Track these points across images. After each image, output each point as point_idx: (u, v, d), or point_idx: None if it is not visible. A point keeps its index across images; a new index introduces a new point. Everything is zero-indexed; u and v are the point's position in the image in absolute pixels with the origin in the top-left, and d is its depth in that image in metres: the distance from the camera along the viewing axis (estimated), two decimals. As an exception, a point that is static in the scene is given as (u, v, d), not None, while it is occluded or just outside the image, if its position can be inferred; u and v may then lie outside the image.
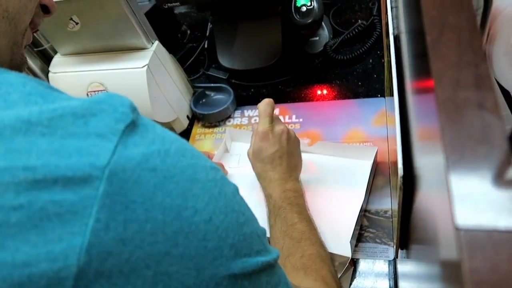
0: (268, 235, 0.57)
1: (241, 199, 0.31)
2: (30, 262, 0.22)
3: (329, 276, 0.48)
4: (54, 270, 0.22)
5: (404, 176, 0.31)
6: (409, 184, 0.32)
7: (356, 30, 0.88)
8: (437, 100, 0.18)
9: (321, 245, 0.53)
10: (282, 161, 0.61)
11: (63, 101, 0.26)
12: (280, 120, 0.66)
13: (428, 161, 0.23)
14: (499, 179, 0.16)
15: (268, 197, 0.60)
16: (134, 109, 0.27)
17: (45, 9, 0.41)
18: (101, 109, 0.26)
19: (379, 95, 0.80)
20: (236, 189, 0.31)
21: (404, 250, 0.43)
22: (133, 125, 0.26)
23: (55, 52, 0.81)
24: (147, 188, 0.25)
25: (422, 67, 0.24)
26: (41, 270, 0.22)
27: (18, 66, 0.38)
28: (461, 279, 0.14)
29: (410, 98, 0.34)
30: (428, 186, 0.24)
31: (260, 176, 0.63)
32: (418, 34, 0.25)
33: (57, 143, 0.24)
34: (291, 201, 0.57)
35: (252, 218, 0.32)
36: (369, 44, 0.85)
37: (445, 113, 0.18)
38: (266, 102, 0.64)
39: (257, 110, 0.85)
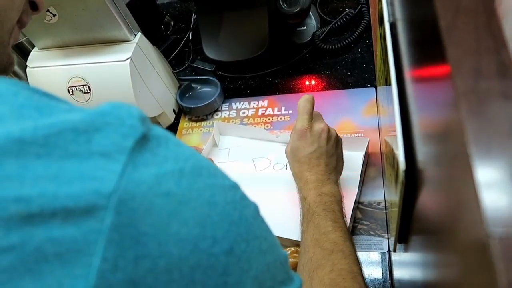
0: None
1: (262, 221, 0.28)
2: None
3: None
4: None
5: (406, 170, 0.30)
6: (411, 178, 0.31)
7: (344, 19, 0.86)
8: (456, 91, 0.17)
9: (354, 259, 0.48)
10: (320, 161, 0.57)
11: (62, 114, 0.22)
12: (321, 117, 0.62)
13: (440, 156, 0.21)
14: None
15: (302, 200, 0.56)
16: (143, 120, 0.23)
17: (33, 6, 0.37)
18: (106, 122, 0.22)
19: (368, 85, 0.79)
20: (256, 209, 0.28)
21: (403, 244, 0.42)
22: (143, 140, 0.22)
23: (33, 46, 0.77)
24: (160, 217, 0.21)
25: (429, 55, 0.22)
26: None
27: (5, 67, 0.34)
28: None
29: (410, 87, 0.33)
30: (441, 183, 0.22)
31: (296, 176, 0.59)
32: (424, 19, 0.23)
33: (55, 167, 0.20)
34: (326, 206, 0.52)
35: (274, 243, 0.28)
36: (357, 33, 0.84)
37: (466, 105, 0.16)
38: (305, 99, 0.59)
39: (245, 103, 0.84)
